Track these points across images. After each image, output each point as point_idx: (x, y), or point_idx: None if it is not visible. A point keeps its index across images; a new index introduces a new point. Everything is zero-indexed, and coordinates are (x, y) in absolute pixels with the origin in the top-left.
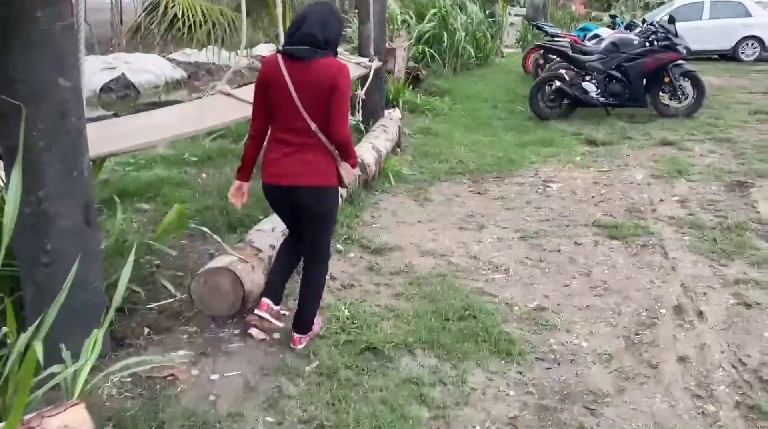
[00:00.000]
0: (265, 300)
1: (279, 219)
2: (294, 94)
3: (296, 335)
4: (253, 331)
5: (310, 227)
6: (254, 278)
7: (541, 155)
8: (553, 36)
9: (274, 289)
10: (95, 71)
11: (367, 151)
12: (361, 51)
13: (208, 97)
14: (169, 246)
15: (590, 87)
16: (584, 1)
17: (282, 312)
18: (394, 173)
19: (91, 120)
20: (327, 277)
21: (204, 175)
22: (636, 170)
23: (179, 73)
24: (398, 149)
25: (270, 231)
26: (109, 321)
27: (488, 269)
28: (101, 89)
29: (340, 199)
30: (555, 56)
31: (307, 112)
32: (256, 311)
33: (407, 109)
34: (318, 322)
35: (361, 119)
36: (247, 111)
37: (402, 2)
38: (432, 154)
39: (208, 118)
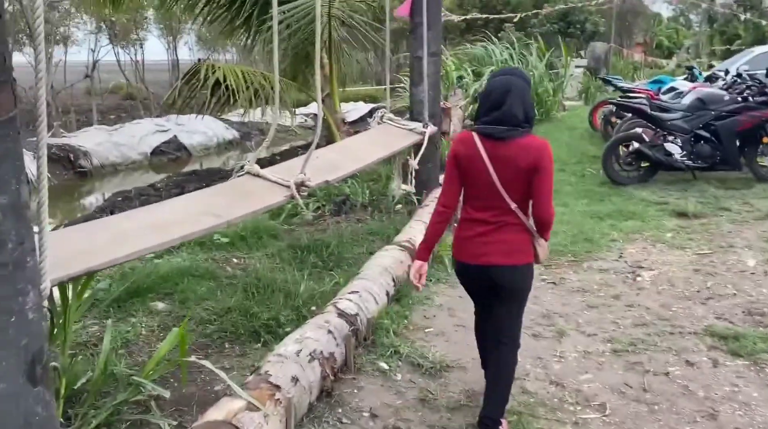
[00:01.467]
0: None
1: (308, 334)
2: (493, 174)
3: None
4: None
5: (506, 307)
6: None
7: (622, 231)
8: (625, 91)
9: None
10: (147, 133)
11: (419, 232)
12: (413, 115)
13: (235, 178)
14: (168, 372)
15: (674, 148)
16: (645, 49)
17: None
18: (450, 257)
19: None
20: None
21: (235, 260)
22: (744, 253)
23: (231, 134)
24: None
25: (295, 355)
26: None
27: (576, 403)
28: (152, 152)
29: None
30: (630, 114)
31: (507, 191)
32: None
33: None
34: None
35: (414, 191)
36: (280, 194)
37: (458, 58)
38: None
39: (232, 207)
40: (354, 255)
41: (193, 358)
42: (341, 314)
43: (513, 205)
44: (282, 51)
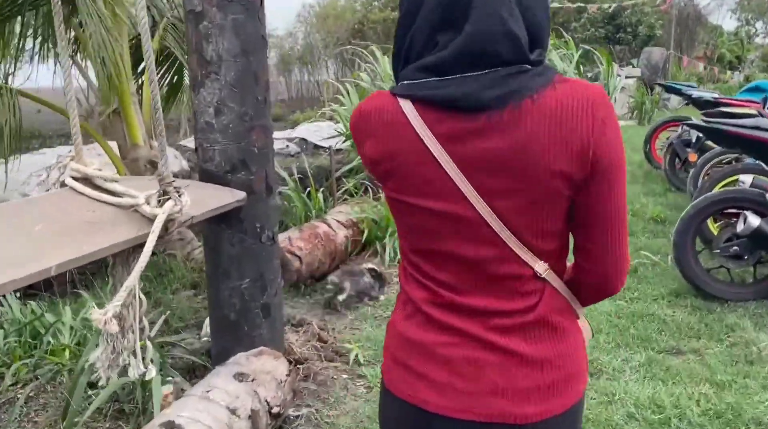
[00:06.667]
0: None
1: None
2: (479, 203)
3: None
4: None
5: None
6: None
7: None
8: (712, 104)
9: None
10: (43, 168)
11: None
12: (203, 169)
13: None
14: None
15: None
16: (706, 63)
17: None
18: None
19: None
20: None
21: None
22: None
23: (179, 165)
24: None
25: None
26: None
27: None
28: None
29: None
30: (727, 147)
31: (521, 236)
32: None
33: None
34: None
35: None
36: None
37: None
38: None
39: None
40: None
41: None
42: None
43: (542, 268)
44: None
